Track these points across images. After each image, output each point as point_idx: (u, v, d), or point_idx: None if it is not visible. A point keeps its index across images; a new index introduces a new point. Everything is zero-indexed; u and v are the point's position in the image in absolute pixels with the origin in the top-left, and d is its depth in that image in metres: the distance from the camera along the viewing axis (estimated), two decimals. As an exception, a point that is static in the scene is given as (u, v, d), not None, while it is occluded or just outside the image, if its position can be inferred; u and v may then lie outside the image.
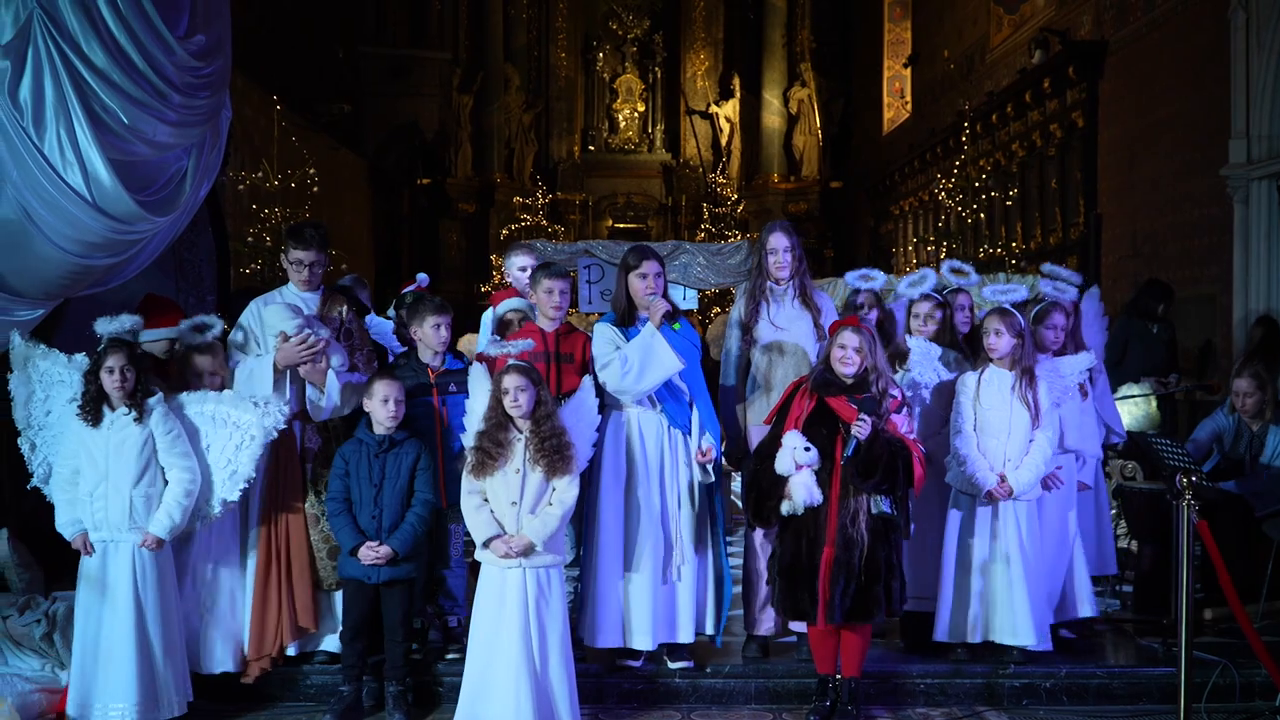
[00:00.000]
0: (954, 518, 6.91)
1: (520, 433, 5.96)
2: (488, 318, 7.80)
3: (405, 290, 7.81)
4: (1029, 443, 6.79)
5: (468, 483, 6.02)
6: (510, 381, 5.93)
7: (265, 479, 6.59)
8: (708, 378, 6.86)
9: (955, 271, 7.61)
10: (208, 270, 9.14)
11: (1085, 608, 7.20)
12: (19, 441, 6.36)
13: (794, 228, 7.19)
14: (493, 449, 5.95)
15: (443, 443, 6.70)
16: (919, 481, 6.17)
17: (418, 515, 6.26)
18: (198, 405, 6.37)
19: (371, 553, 6.16)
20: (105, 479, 6.09)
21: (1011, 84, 18.35)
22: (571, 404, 6.31)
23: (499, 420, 5.97)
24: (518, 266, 7.90)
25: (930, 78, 23.66)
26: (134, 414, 6.09)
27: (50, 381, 6.32)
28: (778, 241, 6.97)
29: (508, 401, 5.93)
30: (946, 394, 6.96)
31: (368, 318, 7.40)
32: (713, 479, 6.69)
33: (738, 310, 7.06)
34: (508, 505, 5.94)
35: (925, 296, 7.25)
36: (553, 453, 5.92)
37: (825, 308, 7.00)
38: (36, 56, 6.30)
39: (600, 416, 6.45)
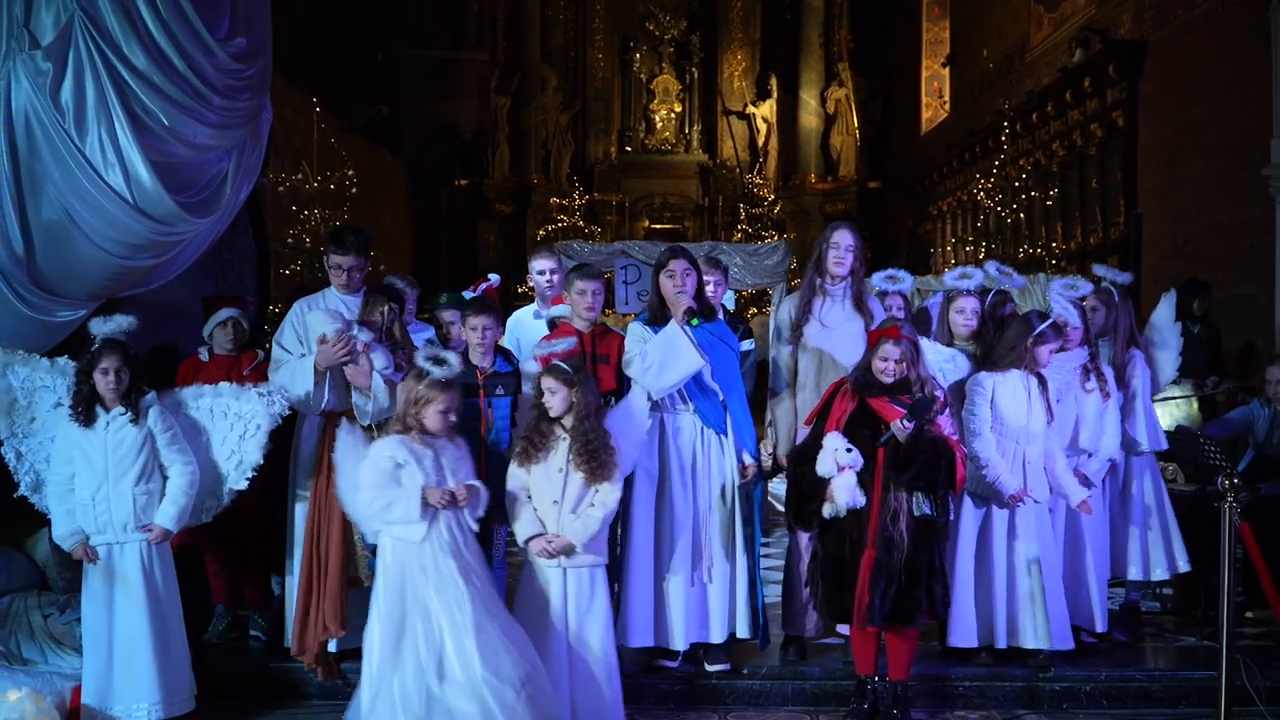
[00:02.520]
0: (968, 521, 6.80)
1: (564, 432, 5.99)
2: (512, 323, 7.81)
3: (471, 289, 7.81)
4: (1045, 441, 6.74)
5: (513, 479, 6.03)
6: (544, 382, 5.98)
7: (311, 477, 6.66)
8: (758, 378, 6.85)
9: (1000, 273, 7.49)
10: (248, 271, 9.19)
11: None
12: (2, 450, 6.24)
13: (858, 232, 7.15)
14: (538, 440, 5.98)
15: (487, 445, 6.71)
16: (960, 482, 6.13)
17: None
18: (195, 400, 6.41)
19: None
20: (105, 480, 6.07)
21: (1052, 83, 18.26)
22: (620, 409, 6.30)
23: (543, 414, 6.00)
24: (537, 270, 7.89)
25: (969, 77, 23.56)
26: (130, 414, 6.09)
27: (32, 388, 6.25)
28: (842, 238, 6.98)
29: (544, 401, 5.96)
30: (956, 394, 6.80)
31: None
32: (752, 487, 6.68)
33: (786, 311, 7.04)
34: (549, 504, 5.94)
35: (971, 293, 7.12)
36: (592, 457, 5.90)
37: (879, 315, 6.95)
38: (78, 58, 6.36)
39: (651, 421, 6.44)
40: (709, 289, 6.99)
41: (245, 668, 6.93)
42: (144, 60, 6.53)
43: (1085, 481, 7.00)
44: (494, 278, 7.97)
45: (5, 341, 6.49)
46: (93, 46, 6.37)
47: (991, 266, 7.51)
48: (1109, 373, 7.18)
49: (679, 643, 6.58)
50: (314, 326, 6.57)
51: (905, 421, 5.93)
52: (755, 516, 6.77)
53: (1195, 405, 9.90)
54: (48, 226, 6.51)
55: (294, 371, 6.55)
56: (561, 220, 27.49)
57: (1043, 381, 6.73)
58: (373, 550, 6.42)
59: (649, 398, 6.45)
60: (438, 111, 26.53)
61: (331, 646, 6.67)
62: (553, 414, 5.95)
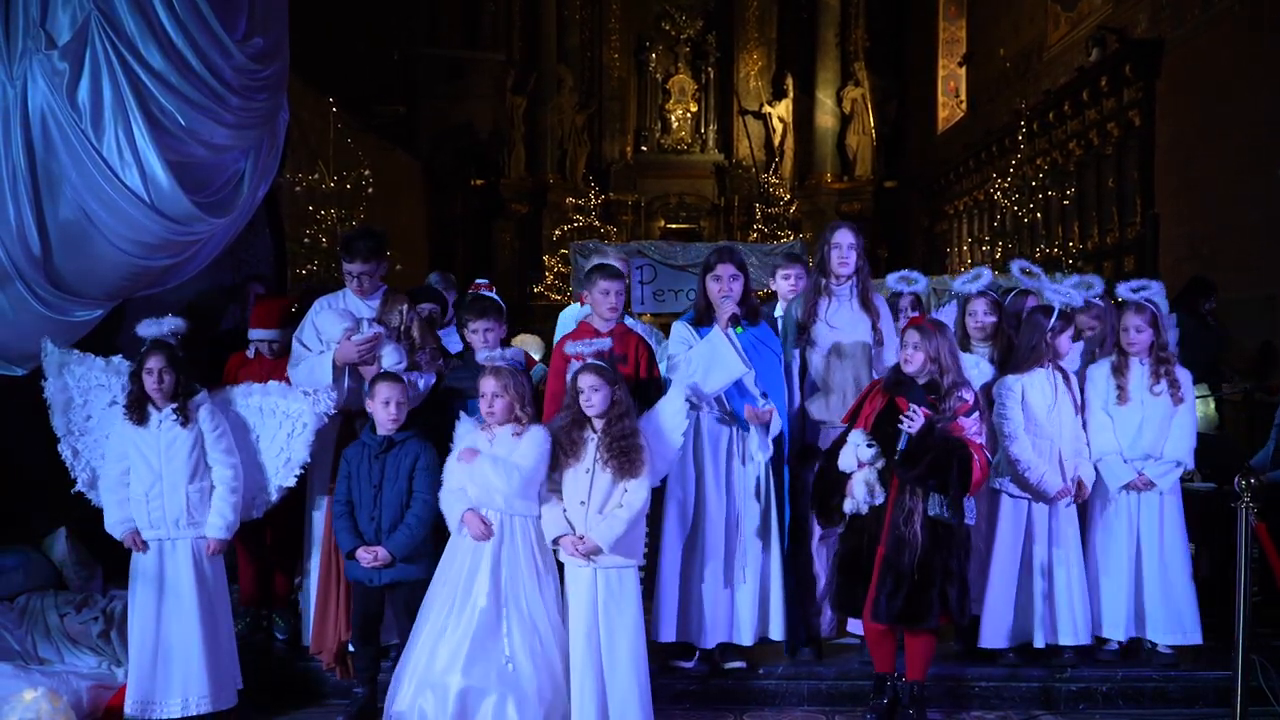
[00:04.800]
0: (1008, 522, 6.79)
1: (594, 432, 5.96)
2: (564, 318, 7.86)
3: (470, 291, 7.85)
4: (1076, 439, 6.73)
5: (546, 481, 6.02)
6: (584, 381, 5.92)
7: (328, 477, 6.66)
8: None
9: (1024, 272, 7.37)
10: (265, 271, 9.21)
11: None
12: (59, 448, 6.32)
13: (860, 229, 7.10)
14: (567, 444, 5.96)
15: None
16: (975, 486, 6.08)
17: (416, 516, 6.15)
18: (244, 398, 6.45)
19: (369, 555, 6.14)
20: (160, 479, 6.13)
21: (1069, 82, 18.21)
22: (655, 411, 6.23)
23: (575, 417, 5.98)
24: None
25: (986, 76, 23.50)
26: (179, 417, 6.14)
27: (88, 386, 6.33)
28: (842, 237, 6.91)
29: (582, 400, 5.93)
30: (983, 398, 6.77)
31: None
32: (770, 449, 6.61)
33: (793, 313, 7.01)
34: (577, 504, 5.91)
35: (981, 294, 7.12)
36: (621, 455, 5.86)
37: (884, 312, 6.93)
38: (94, 59, 6.39)
39: (689, 424, 6.35)
40: (789, 283, 7.01)
41: (266, 665, 6.93)
42: (161, 60, 6.56)
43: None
44: (480, 281, 8.13)
45: (22, 341, 6.52)
46: (109, 47, 6.39)
47: (1015, 265, 7.45)
48: (1183, 377, 6.93)
49: (707, 641, 6.60)
50: (324, 327, 6.63)
51: (910, 415, 5.91)
52: (786, 516, 6.77)
53: (1212, 405, 9.87)
54: (65, 226, 6.54)
55: (312, 367, 6.59)
56: (577, 220, 27.49)
57: (1066, 375, 6.73)
58: None
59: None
60: (453, 111, 26.56)
61: (352, 647, 6.69)
62: (593, 413, 5.91)
